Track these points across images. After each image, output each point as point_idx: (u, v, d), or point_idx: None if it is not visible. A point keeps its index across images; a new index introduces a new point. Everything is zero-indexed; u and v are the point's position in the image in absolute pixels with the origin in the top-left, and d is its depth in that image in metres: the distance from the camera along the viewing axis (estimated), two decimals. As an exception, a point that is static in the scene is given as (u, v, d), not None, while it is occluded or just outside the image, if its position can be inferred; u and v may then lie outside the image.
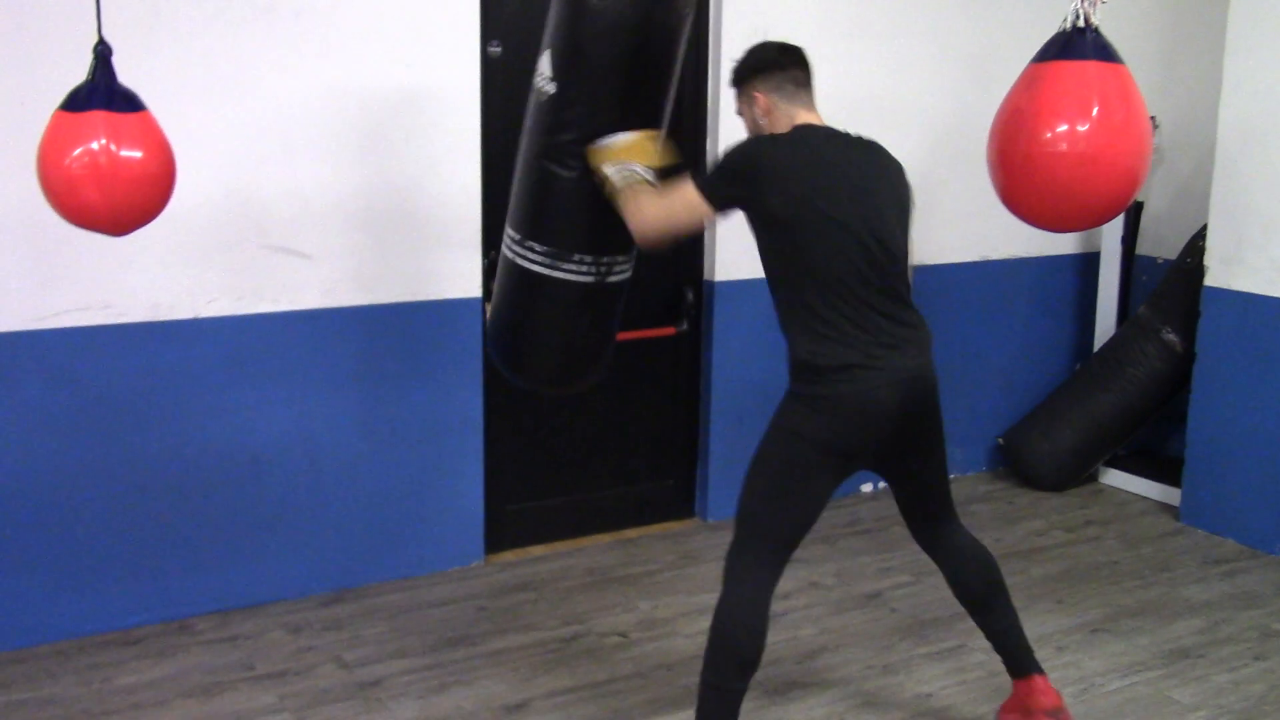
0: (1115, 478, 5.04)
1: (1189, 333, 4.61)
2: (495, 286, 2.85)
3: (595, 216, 2.66)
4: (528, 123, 2.69)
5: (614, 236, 2.68)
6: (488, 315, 2.93)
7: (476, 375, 3.98)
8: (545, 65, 2.60)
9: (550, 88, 2.58)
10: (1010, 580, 2.95)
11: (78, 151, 2.47)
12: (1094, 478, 5.08)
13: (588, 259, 2.66)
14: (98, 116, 2.49)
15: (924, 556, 3.00)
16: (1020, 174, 2.11)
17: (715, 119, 4.29)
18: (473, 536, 4.11)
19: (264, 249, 3.61)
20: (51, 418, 3.41)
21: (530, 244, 2.67)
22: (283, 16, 3.51)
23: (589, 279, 2.68)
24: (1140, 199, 5.16)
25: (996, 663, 3.06)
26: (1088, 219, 2.16)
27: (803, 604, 3.85)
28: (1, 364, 3.33)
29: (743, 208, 2.64)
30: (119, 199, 2.51)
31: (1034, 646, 2.99)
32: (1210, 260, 4.44)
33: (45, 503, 3.44)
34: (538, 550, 4.28)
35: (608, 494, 4.45)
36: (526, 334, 2.79)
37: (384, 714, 3.16)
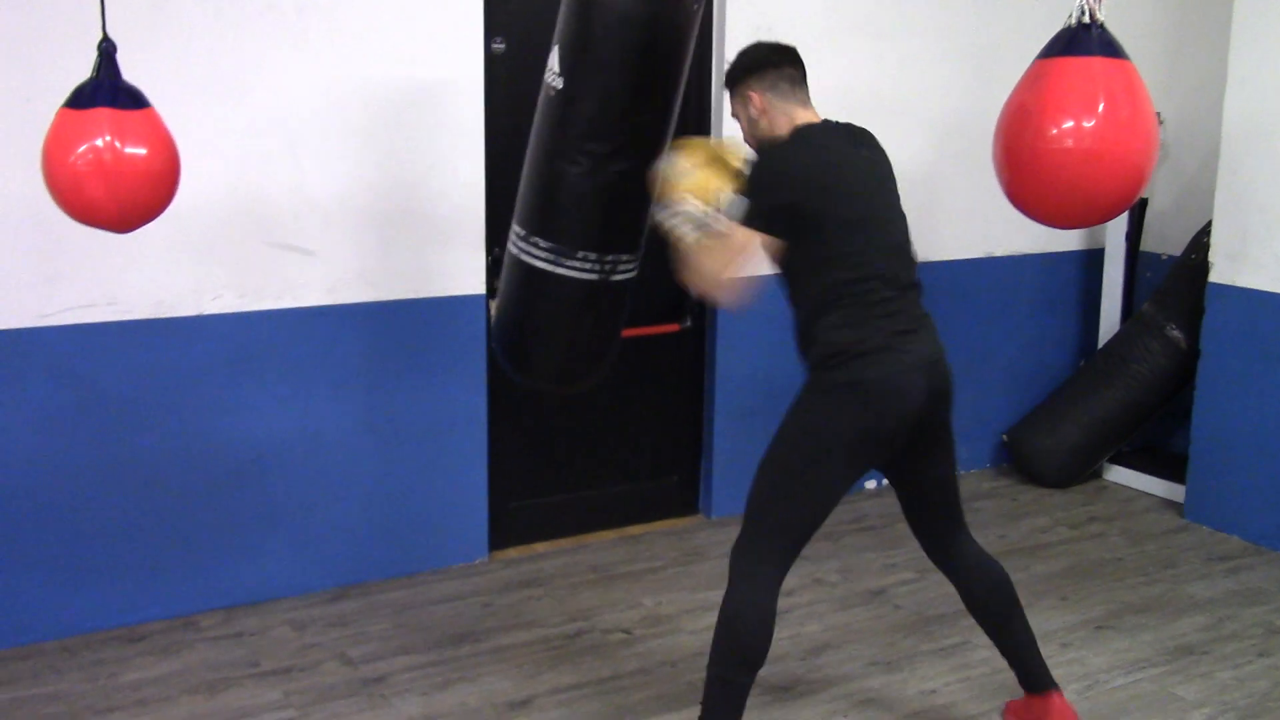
0: (1119, 474, 5.03)
1: (1193, 329, 4.61)
2: (500, 283, 2.85)
3: (600, 214, 2.66)
4: (536, 119, 2.69)
5: (619, 234, 2.68)
6: (493, 312, 2.93)
7: (481, 372, 3.99)
8: (554, 61, 2.60)
9: (559, 84, 2.57)
10: (1014, 577, 2.94)
11: (82, 148, 2.47)
12: (1098, 474, 5.07)
13: (591, 256, 2.66)
14: (102, 113, 2.49)
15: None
16: (1026, 170, 2.10)
17: (718, 116, 4.28)
18: (477, 533, 4.11)
19: (268, 246, 3.62)
20: (56, 415, 3.41)
21: (535, 240, 2.67)
22: (286, 14, 3.51)
23: (593, 277, 2.68)
24: (1145, 195, 5.15)
25: (1001, 660, 3.05)
26: (1094, 215, 2.16)
27: (806, 601, 3.85)
28: (6, 361, 3.33)
29: (780, 223, 2.62)
30: (123, 196, 2.51)
31: (1039, 643, 2.98)
32: (1215, 257, 4.44)
33: (50, 499, 3.44)
34: (541, 547, 4.28)
35: (612, 490, 4.45)
36: (530, 331, 2.79)
37: (388, 710, 3.17)
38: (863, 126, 2.79)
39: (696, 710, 2.77)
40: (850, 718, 3.16)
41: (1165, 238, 5.19)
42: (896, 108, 4.55)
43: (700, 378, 4.52)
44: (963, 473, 5.02)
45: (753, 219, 2.57)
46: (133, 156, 2.50)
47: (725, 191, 2.63)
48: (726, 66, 2.87)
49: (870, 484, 4.86)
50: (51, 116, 2.54)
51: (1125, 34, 2.22)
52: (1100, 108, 2.04)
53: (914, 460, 2.79)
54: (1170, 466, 4.89)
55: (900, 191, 2.79)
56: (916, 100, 4.63)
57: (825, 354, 2.64)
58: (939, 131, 4.71)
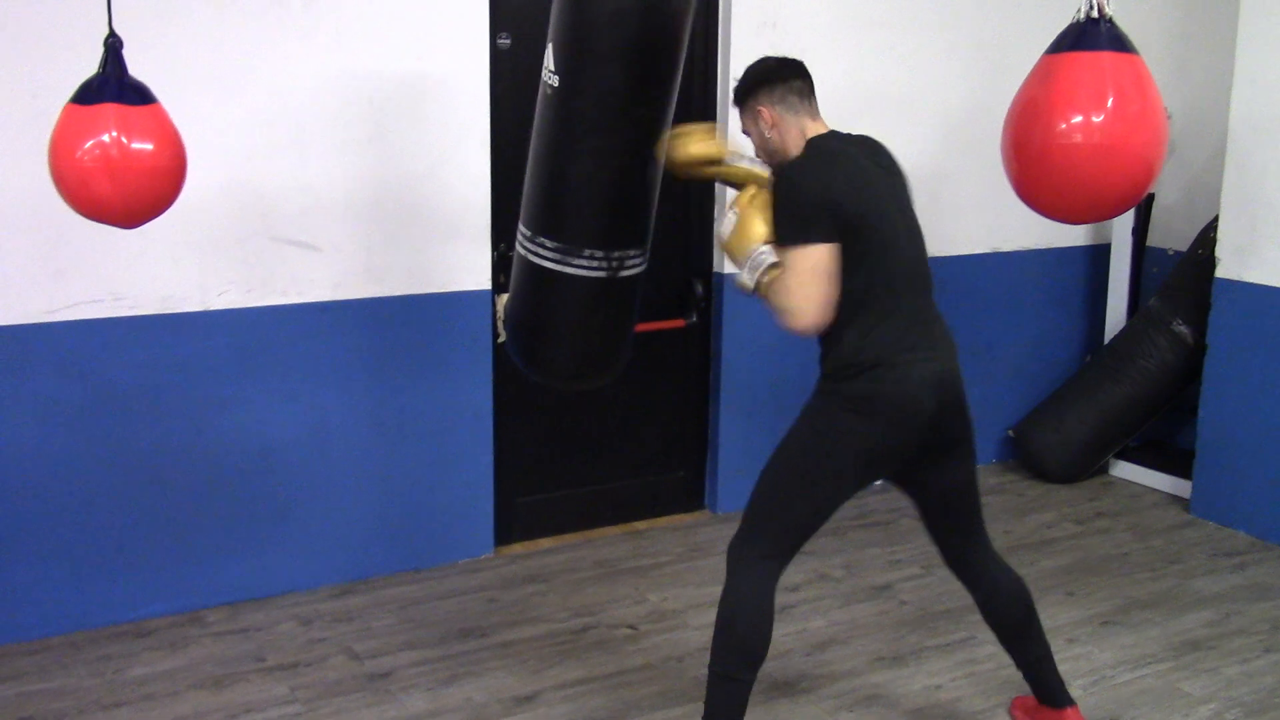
0: (1126, 470, 5.03)
1: (1200, 324, 4.60)
2: (510, 283, 2.85)
3: (604, 211, 2.65)
4: (536, 118, 2.68)
5: (624, 230, 2.67)
6: (500, 310, 2.93)
7: (486, 367, 3.99)
8: (549, 60, 2.59)
9: (555, 81, 2.57)
10: (1020, 573, 2.93)
11: (89, 144, 2.47)
12: (1104, 470, 5.07)
13: (598, 254, 2.64)
14: (109, 109, 2.49)
15: (934, 549, 2.99)
16: (1035, 165, 2.10)
17: (725, 113, 4.27)
18: (482, 528, 4.12)
19: (274, 241, 3.62)
20: (62, 410, 3.42)
21: (541, 240, 2.66)
22: (292, 9, 3.51)
23: (601, 274, 2.67)
24: (1152, 191, 5.14)
25: (1006, 656, 3.05)
26: (1103, 210, 2.15)
27: (812, 596, 3.85)
28: (13, 356, 3.34)
29: (835, 231, 2.59)
30: (130, 191, 2.51)
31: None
32: (1221, 252, 4.43)
33: (57, 495, 3.45)
34: (547, 542, 4.28)
35: (617, 486, 4.45)
36: (542, 331, 2.78)
37: (394, 705, 3.17)
38: (876, 139, 2.78)
39: (701, 705, 2.76)
40: (855, 713, 3.16)
41: (1172, 233, 5.18)
42: (903, 102, 4.55)
43: (706, 373, 4.51)
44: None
45: (805, 234, 2.55)
46: (139, 152, 2.50)
47: (763, 227, 2.62)
48: (734, 80, 2.87)
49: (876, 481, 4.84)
50: (58, 112, 2.54)
51: (1133, 29, 2.21)
52: (1109, 102, 2.03)
53: (929, 472, 2.77)
54: (1177, 462, 4.88)
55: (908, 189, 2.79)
56: (923, 95, 4.63)
57: (837, 365, 2.64)
58: (945, 126, 4.70)
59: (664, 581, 3.97)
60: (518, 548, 4.23)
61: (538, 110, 2.67)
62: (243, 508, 3.71)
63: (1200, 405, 4.55)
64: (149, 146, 2.52)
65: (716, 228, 2.65)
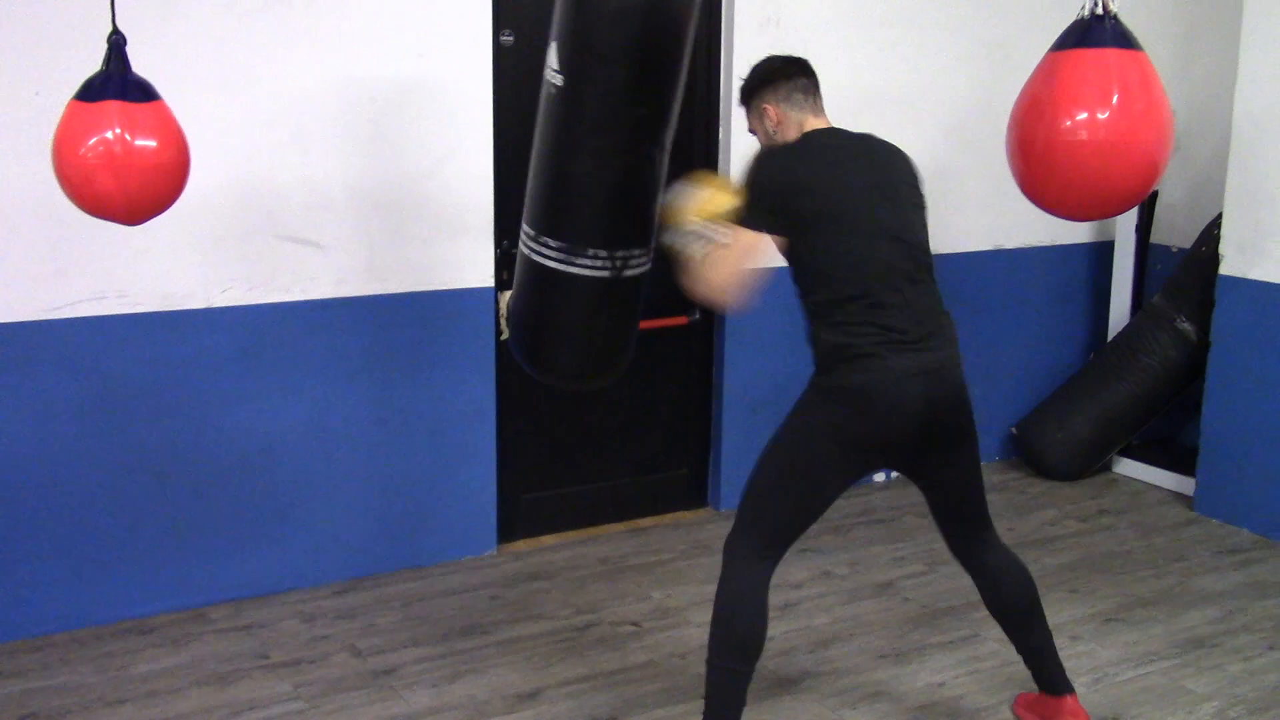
0: (1129, 467, 5.02)
1: (1204, 322, 4.60)
2: (514, 283, 2.84)
3: (608, 210, 2.64)
4: (539, 117, 2.67)
5: (628, 229, 2.67)
6: (503, 308, 2.92)
7: (489, 364, 3.99)
8: (552, 58, 2.59)
9: (558, 80, 2.56)
10: (1033, 577, 2.93)
11: (92, 141, 2.47)
12: (1108, 467, 5.07)
13: (602, 254, 2.64)
14: (112, 106, 2.49)
15: (938, 546, 3.00)
16: (1040, 163, 2.09)
17: (728, 109, 4.27)
18: (485, 526, 4.12)
19: (276, 238, 3.62)
20: (65, 407, 3.42)
21: (545, 240, 2.65)
22: (295, 6, 3.51)
23: (605, 274, 2.66)
24: (1155, 187, 5.14)
25: (1010, 653, 3.05)
26: (1108, 208, 2.14)
27: (815, 593, 3.85)
28: (16, 353, 3.34)
29: (781, 221, 2.63)
30: (133, 188, 2.51)
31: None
32: (1225, 249, 4.42)
33: (59, 492, 3.45)
34: (550, 539, 4.28)
35: (620, 483, 4.45)
36: (546, 331, 2.77)
37: (397, 702, 3.17)
38: (880, 138, 2.79)
39: (704, 695, 2.77)
40: (859, 710, 3.16)
41: (1175, 230, 5.17)
42: (906, 99, 4.54)
43: (709, 370, 4.51)
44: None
45: (752, 219, 2.59)
46: (143, 149, 2.50)
47: (727, 206, 2.64)
48: (736, 76, 2.88)
49: (879, 477, 4.85)
50: (61, 109, 2.54)
51: (1136, 26, 2.20)
52: (1114, 99, 2.02)
53: (929, 465, 2.78)
54: (1180, 459, 4.88)
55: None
56: (926, 92, 4.62)
57: (819, 357, 2.67)
58: (949, 123, 4.69)
59: (667, 579, 3.97)
60: (521, 545, 4.23)
61: (541, 109, 2.67)
62: (246, 505, 3.71)
63: (1204, 402, 4.54)
64: (152, 143, 2.52)
65: (667, 196, 2.65)
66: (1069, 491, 4.85)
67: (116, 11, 2.55)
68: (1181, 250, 5.05)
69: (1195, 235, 4.89)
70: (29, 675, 3.28)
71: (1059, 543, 4.31)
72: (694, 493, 4.60)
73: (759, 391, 4.44)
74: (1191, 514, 4.59)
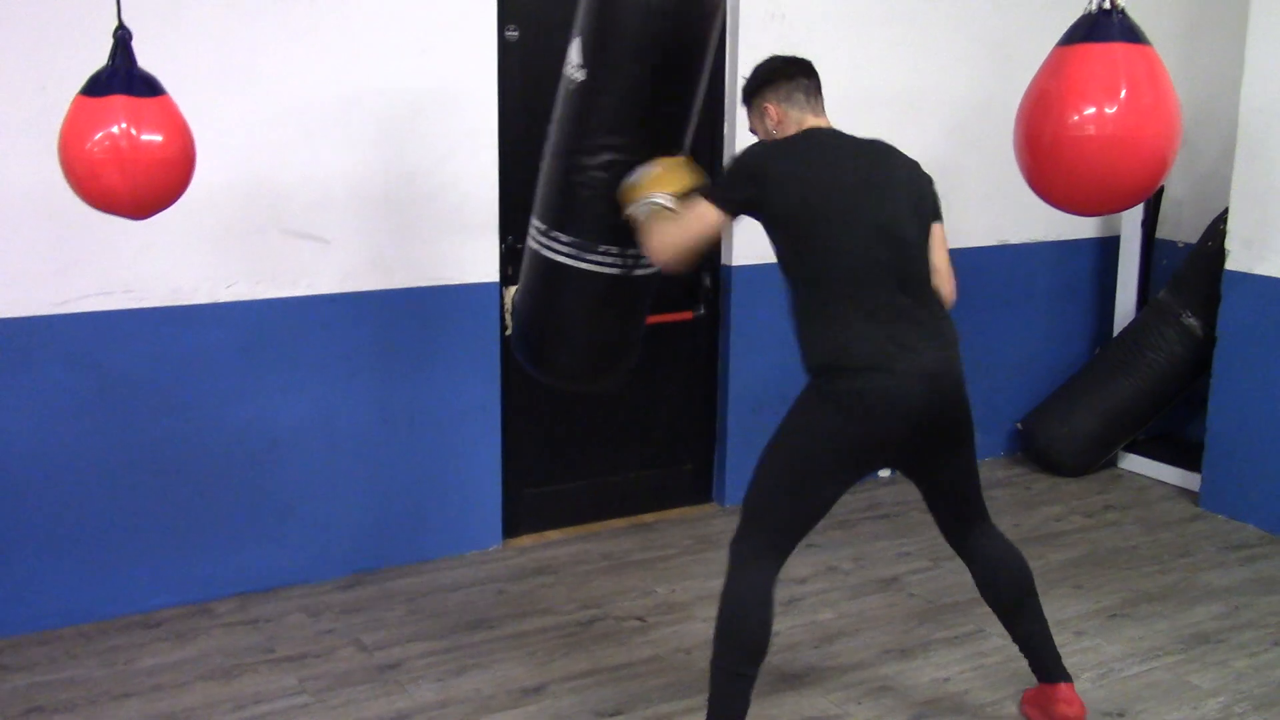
0: (1135, 463, 5.02)
1: (1209, 317, 4.58)
2: (520, 281, 2.83)
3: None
4: (556, 112, 2.67)
5: None
6: (508, 302, 2.92)
7: (494, 359, 3.99)
8: (575, 53, 2.58)
9: (580, 75, 2.56)
10: (1029, 565, 2.94)
11: (98, 136, 2.48)
12: (1113, 463, 5.06)
13: (614, 250, 2.63)
14: (118, 101, 2.49)
15: (942, 541, 3.00)
16: (1048, 158, 2.09)
17: (732, 103, 4.27)
18: (490, 521, 4.12)
19: (282, 234, 3.62)
20: (71, 402, 3.43)
21: (556, 234, 2.65)
22: (299, 2, 3.51)
23: (615, 270, 2.66)
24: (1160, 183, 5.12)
25: (1015, 648, 3.05)
26: (1116, 202, 2.14)
27: (820, 589, 3.85)
28: (23, 349, 3.34)
29: (754, 210, 2.63)
30: (139, 183, 2.52)
31: (1053, 631, 2.98)
32: (1231, 244, 4.41)
33: (66, 487, 3.46)
34: (555, 535, 4.28)
35: (625, 478, 4.45)
36: (552, 328, 2.76)
37: (403, 696, 3.18)
38: (886, 142, 2.77)
39: (708, 697, 2.77)
40: (864, 705, 3.16)
41: (1181, 225, 5.16)
42: (911, 95, 4.54)
43: (714, 366, 4.51)
44: (978, 461, 5.01)
45: (715, 194, 2.59)
46: (149, 143, 2.51)
47: (687, 183, 2.63)
48: (741, 71, 2.87)
49: (884, 473, 4.85)
50: (67, 104, 2.55)
51: (1141, 21, 2.20)
52: (1122, 94, 2.02)
53: (926, 463, 2.79)
54: (1186, 455, 4.87)
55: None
56: (931, 87, 4.61)
57: (813, 363, 2.66)
58: (955, 119, 4.68)
59: (672, 574, 3.97)
60: (526, 540, 4.23)
61: (558, 103, 2.66)
62: (251, 499, 3.72)
63: (1210, 398, 4.54)
64: (158, 138, 2.52)
65: (631, 176, 2.63)
66: (1074, 487, 4.84)
67: (122, 7, 2.56)
68: (1187, 245, 5.04)
69: (1201, 230, 4.88)
70: (35, 669, 3.29)
71: (1064, 538, 4.31)
72: (698, 488, 4.60)
73: (763, 387, 4.44)
74: (1197, 510, 4.58)
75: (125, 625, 3.54)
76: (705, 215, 2.58)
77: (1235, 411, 4.44)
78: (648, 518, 4.45)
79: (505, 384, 4.03)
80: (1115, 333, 5.12)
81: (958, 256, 4.72)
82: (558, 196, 2.66)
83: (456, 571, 3.95)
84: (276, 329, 3.66)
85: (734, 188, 2.63)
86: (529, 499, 4.26)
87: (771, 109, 2.77)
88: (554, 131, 2.67)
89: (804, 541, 2.79)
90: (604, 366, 2.86)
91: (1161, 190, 5.16)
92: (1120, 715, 3.12)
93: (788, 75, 2.77)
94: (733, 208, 2.61)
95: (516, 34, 3.91)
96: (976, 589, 2.97)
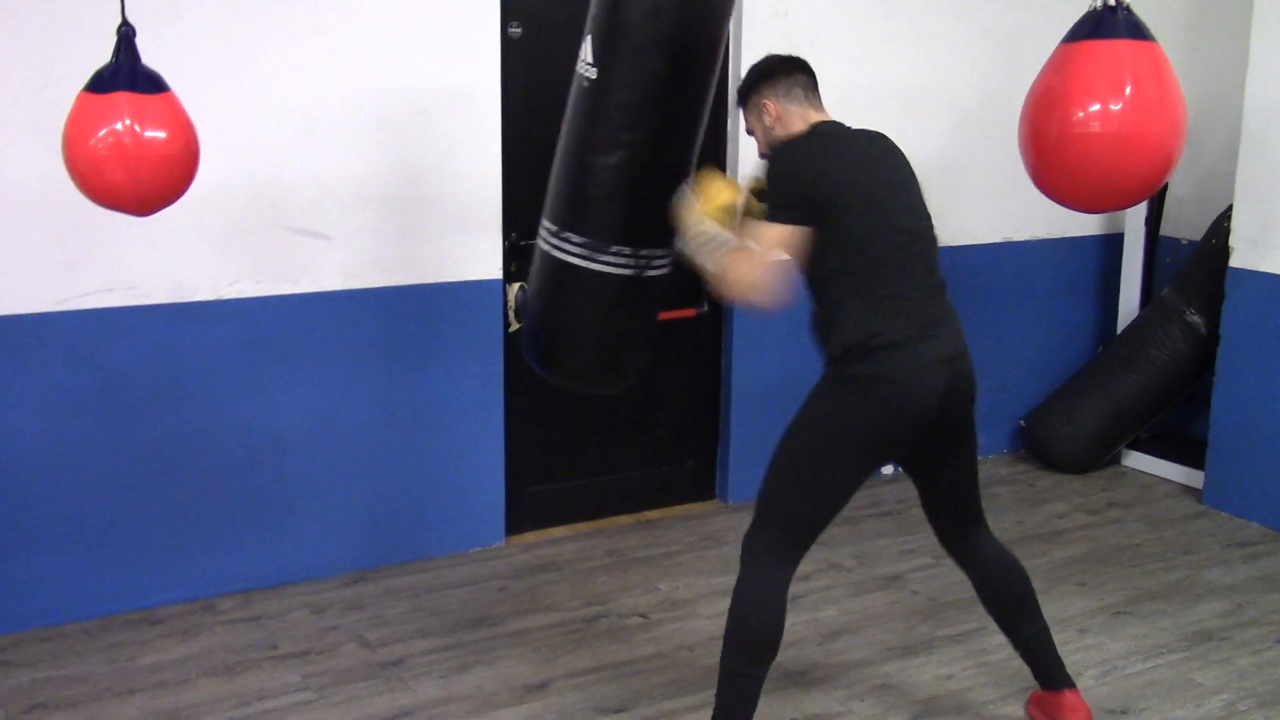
0: (1138, 460, 5.01)
1: (1213, 314, 4.58)
2: (530, 281, 2.82)
3: (634, 207, 2.62)
4: (568, 111, 2.65)
5: (653, 229, 2.65)
6: (511, 299, 2.91)
7: (497, 356, 3.99)
8: (587, 51, 2.57)
9: (592, 73, 2.55)
10: (1032, 563, 2.94)
11: (102, 132, 2.47)
12: (1116, 460, 5.06)
13: (626, 251, 2.62)
14: (122, 98, 2.49)
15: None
16: (1052, 155, 2.09)
17: (734, 106, 4.24)
18: (493, 517, 4.12)
19: (285, 231, 3.62)
20: (75, 398, 3.43)
21: (567, 235, 2.63)
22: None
23: (627, 271, 2.64)
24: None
25: (1017, 647, 3.05)
26: (1121, 200, 2.14)
27: (823, 585, 3.85)
28: (26, 345, 3.34)
29: (813, 208, 2.58)
30: (143, 179, 2.51)
31: (1056, 629, 2.98)
32: (1235, 241, 4.41)
33: (69, 483, 3.46)
34: (558, 531, 4.29)
35: (628, 475, 4.45)
36: (562, 330, 2.75)
37: (406, 693, 3.18)
38: (881, 133, 2.77)
39: (713, 695, 2.77)
40: (866, 702, 3.16)
41: (1185, 222, 5.15)
42: (915, 91, 4.53)
43: (717, 362, 4.51)
44: (981, 458, 4.96)
45: (781, 214, 2.55)
46: (152, 140, 2.50)
47: (733, 202, 2.62)
48: (745, 69, 2.86)
49: (887, 470, 4.84)
50: (70, 101, 2.54)
51: (1147, 17, 2.19)
52: (1127, 91, 2.02)
53: (932, 456, 2.77)
54: (1189, 452, 4.86)
55: (919, 176, 2.77)
56: (935, 84, 4.60)
57: (842, 348, 2.62)
58: (959, 115, 4.68)
59: (675, 571, 3.97)
60: (529, 537, 4.23)
61: (570, 102, 2.65)
62: (254, 496, 3.72)
63: (1213, 395, 4.53)
64: (162, 135, 2.52)
65: (679, 196, 2.62)
66: (1078, 484, 4.84)
67: (125, 5, 2.55)
68: (1191, 243, 5.04)
69: (1205, 228, 4.88)
70: (39, 665, 3.30)
71: (1068, 535, 4.31)
72: (702, 485, 4.60)
73: (768, 384, 4.44)
74: (1200, 507, 4.58)
75: (128, 622, 3.54)
76: (779, 239, 2.53)
77: (1239, 409, 4.44)
78: (651, 515, 4.46)
79: (508, 381, 4.03)
80: (1119, 330, 5.11)
81: (962, 253, 4.77)
82: (570, 197, 2.64)
83: (459, 568, 3.96)
84: (279, 326, 3.66)
85: (787, 194, 2.57)
86: (532, 496, 4.26)
87: (770, 105, 2.75)
88: (565, 131, 2.66)
89: (810, 539, 2.78)
90: (614, 367, 2.85)
91: (1165, 187, 5.15)
92: (1123, 713, 3.12)
93: (785, 71, 2.76)
94: (798, 215, 2.56)
95: (519, 30, 3.91)
96: (977, 596, 2.95)
